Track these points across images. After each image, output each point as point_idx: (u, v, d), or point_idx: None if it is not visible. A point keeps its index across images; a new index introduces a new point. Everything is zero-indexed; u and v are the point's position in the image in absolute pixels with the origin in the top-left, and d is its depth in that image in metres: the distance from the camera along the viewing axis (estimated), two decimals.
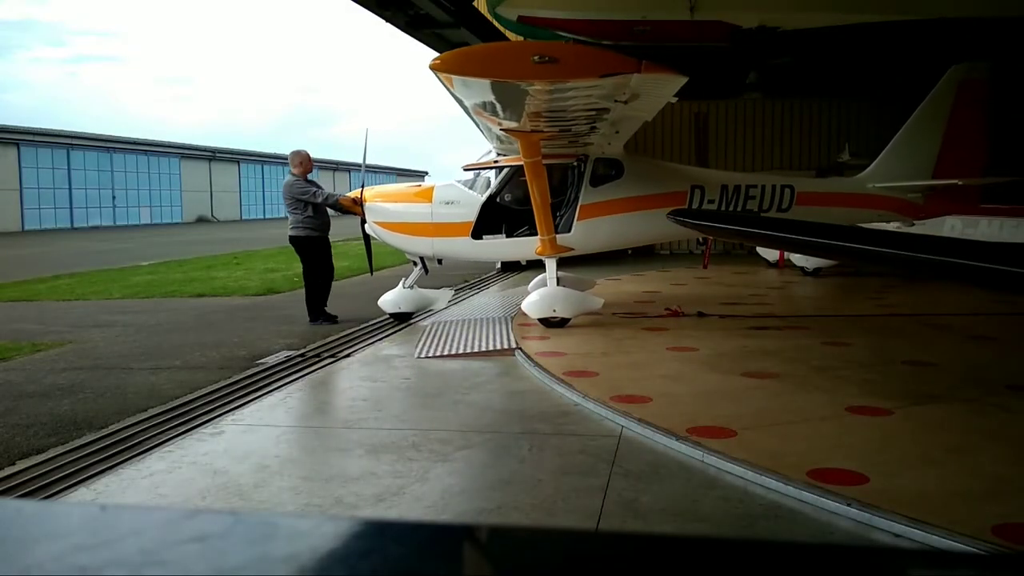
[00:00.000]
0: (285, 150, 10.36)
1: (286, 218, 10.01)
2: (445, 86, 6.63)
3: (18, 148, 43.18)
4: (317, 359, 7.57)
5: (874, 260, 5.73)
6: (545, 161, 9.30)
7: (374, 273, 10.82)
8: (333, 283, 10.39)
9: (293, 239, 9.81)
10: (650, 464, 4.39)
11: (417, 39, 12.33)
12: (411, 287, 9.83)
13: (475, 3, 12.75)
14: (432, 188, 9.76)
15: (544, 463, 4.46)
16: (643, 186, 9.54)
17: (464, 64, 6.19)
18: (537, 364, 6.77)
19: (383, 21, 11.33)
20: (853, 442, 4.63)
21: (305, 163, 9.81)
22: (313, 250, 9.79)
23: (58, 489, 4.26)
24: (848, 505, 3.64)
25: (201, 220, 56.10)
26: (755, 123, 19.90)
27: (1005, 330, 8.32)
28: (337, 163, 69.03)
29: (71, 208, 46.83)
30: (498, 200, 9.51)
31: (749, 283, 13.29)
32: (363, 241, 10.03)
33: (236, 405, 5.90)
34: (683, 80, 6.52)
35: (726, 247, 18.39)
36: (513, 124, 7.91)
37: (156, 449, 4.87)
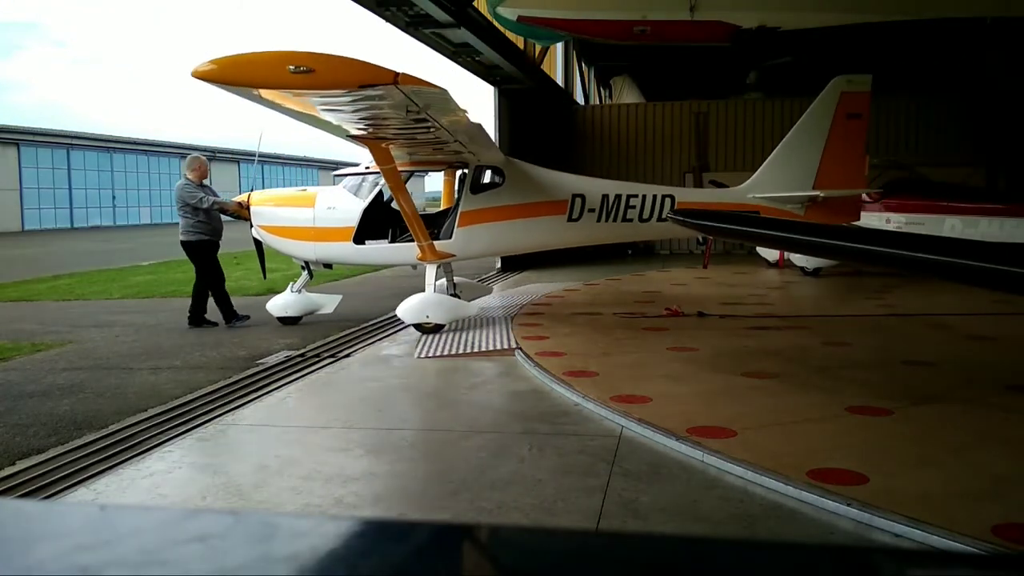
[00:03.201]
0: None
1: None
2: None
3: (18, 148, 43.16)
4: (317, 359, 7.57)
5: (874, 260, 5.72)
6: (419, 168, 9.59)
7: (266, 276, 10.81)
8: (334, 284, 10.41)
9: (184, 244, 9.85)
10: (650, 464, 4.39)
11: (417, 39, 12.32)
12: (299, 291, 9.92)
13: (475, 3, 12.75)
14: (316, 193, 9.84)
15: (544, 463, 4.46)
16: (523, 194, 9.61)
17: (222, 73, 6.14)
18: (537, 364, 6.77)
19: (384, 21, 11.32)
20: (853, 442, 4.63)
21: (200, 168, 9.91)
22: (204, 254, 9.83)
23: (58, 489, 4.26)
24: (848, 505, 3.64)
25: None
26: (755, 123, 19.89)
27: (1005, 330, 8.32)
28: (336, 163, 69.02)
29: (71, 208, 46.82)
30: (381, 205, 9.54)
31: (749, 283, 13.30)
32: (254, 246, 10.15)
33: (236, 405, 5.91)
34: (447, 93, 6.52)
35: (726, 247, 18.40)
36: (358, 132, 7.94)
37: (156, 449, 4.87)
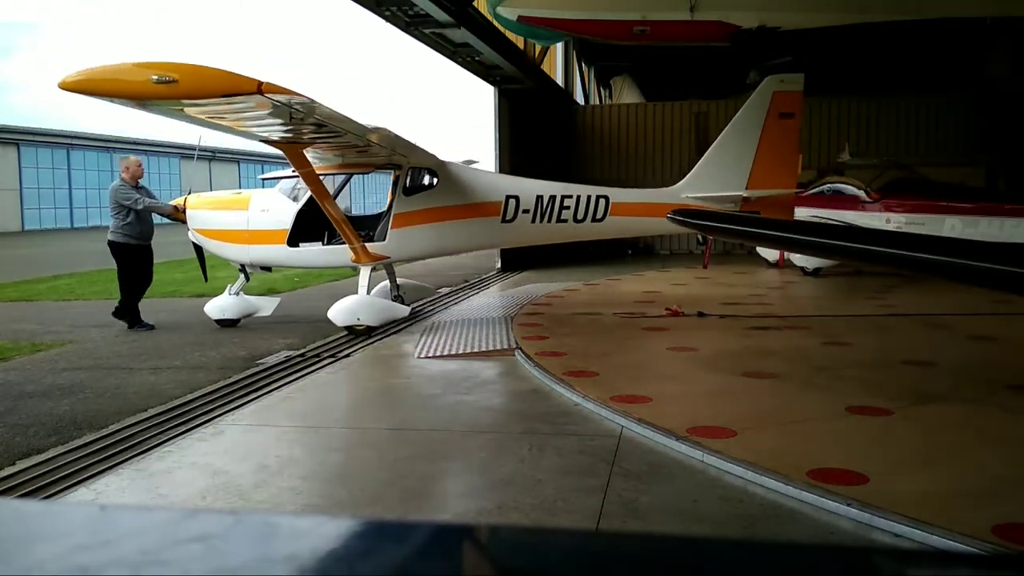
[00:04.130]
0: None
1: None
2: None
3: (18, 148, 43.17)
4: (317, 359, 7.57)
5: (874, 260, 5.72)
6: (347, 171, 9.64)
7: (207, 279, 10.81)
8: (334, 284, 10.41)
9: (111, 244, 9.82)
10: (650, 464, 4.39)
11: (417, 39, 12.32)
12: (236, 294, 9.91)
13: (475, 3, 12.75)
14: (250, 195, 9.85)
15: (544, 463, 4.46)
16: (456, 196, 9.65)
17: (88, 84, 6.15)
18: (537, 364, 6.77)
19: (384, 21, 11.32)
20: (853, 442, 4.63)
21: (133, 169, 9.91)
22: (130, 257, 9.79)
23: (58, 489, 4.26)
24: (848, 505, 3.63)
25: None
26: None
27: (1005, 330, 8.32)
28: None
29: (71, 208, 46.81)
30: (316, 208, 9.57)
31: (749, 283, 13.30)
32: (194, 249, 10.16)
33: (236, 405, 5.90)
34: (313, 101, 6.56)
35: (726, 247, 18.40)
36: (270, 136, 7.98)
37: (156, 449, 4.87)
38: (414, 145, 9.32)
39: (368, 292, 9.16)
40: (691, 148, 19.99)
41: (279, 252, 9.58)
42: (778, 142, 9.92)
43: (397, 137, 8.71)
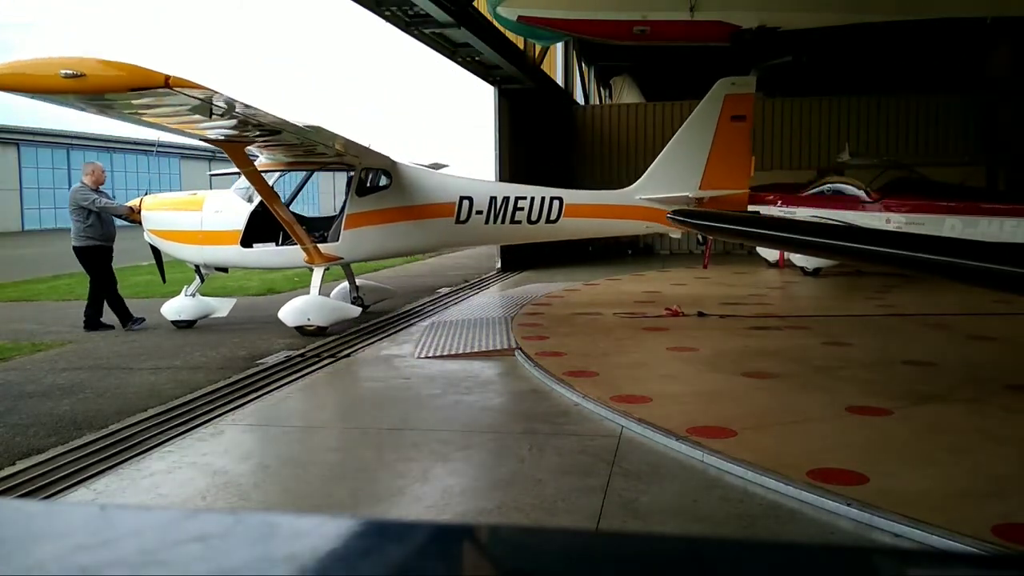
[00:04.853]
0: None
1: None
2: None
3: (18, 148, 43.18)
4: (317, 359, 7.57)
5: (874, 260, 5.72)
6: (297, 169, 9.68)
7: (164, 280, 10.83)
8: (333, 284, 10.41)
9: (76, 249, 9.86)
10: (650, 464, 4.39)
11: (417, 39, 12.32)
12: (192, 295, 9.95)
13: (475, 3, 12.75)
14: (204, 196, 9.89)
15: (544, 463, 4.46)
16: (410, 196, 9.68)
17: (1, 80, 6.17)
18: (537, 364, 6.77)
19: (384, 21, 11.32)
20: (853, 442, 4.63)
21: (95, 174, 9.98)
22: (96, 259, 9.84)
23: (58, 489, 4.26)
24: (848, 505, 3.63)
25: None
26: (755, 123, 19.88)
27: (1005, 330, 8.32)
28: None
29: None
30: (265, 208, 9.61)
31: (749, 283, 13.30)
32: (151, 251, 10.20)
33: (236, 405, 5.90)
34: (220, 95, 6.57)
35: (726, 247, 18.40)
36: (209, 135, 8.02)
37: (156, 449, 4.87)
38: (359, 144, 9.34)
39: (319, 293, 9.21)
40: None
41: (232, 253, 9.61)
42: (730, 144, 10.02)
43: (336, 135, 8.72)
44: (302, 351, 7.98)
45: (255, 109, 7.12)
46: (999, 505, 3.66)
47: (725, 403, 5.56)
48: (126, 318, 9.89)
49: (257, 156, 9.52)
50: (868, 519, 3.54)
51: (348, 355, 7.74)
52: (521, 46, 16.18)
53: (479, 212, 9.74)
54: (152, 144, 55.83)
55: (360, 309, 9.72)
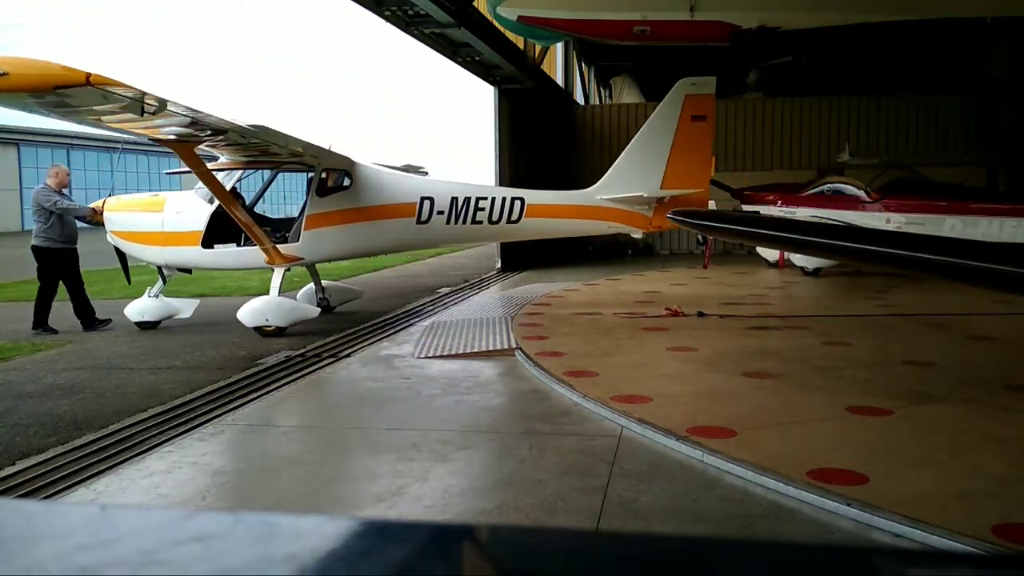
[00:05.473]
0: None
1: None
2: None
3: (18, 148, 43.19)
4: (317, 359, 7.57)
5: (874, 260, 5.72)
6: (254, 168, 9.67)
7: (130, 282, 10.84)
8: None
9: (34, 248, 9.87)
10: (650, 464, 4.39)
11: (417, 39, 12.32)
12: (156, 296, 9.97)
13: (475, 3, 12.75)
14: (166, 198, 9.91)
15: (544, 463, 4.46)
16: (370, 196, 9.69)
17: None
18: (537, 364, 6.77)
19: (384, 21, 11.32)
20: (853, 442, 4.63)
21: (59, 176, 10.01)
22: (52, 261, 9.84)
23: (58, 489, 4.26)
24: (848, 505, 3.63)
25: None
26: (755, 123, 19.90)
27: (1005, 330, 8.32)
28: None
29: None
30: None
31: (749, 283, 13.30)
32: (115, 253, 10.22)
33: (236, 405, 5.90)
34: (146, 93, 6.61)
35: (726, 247, 18.40)
36: (158, 136, 8.06)
37: (156, 449, 4.87)
38: (316, 145, 9.35)
39: (279, 293, 9.24)
40: None
41: (194, 254, 9.63)
42: (691, 144, 10.04)
43: (286, 135, 8.72)
44: (302, 351, 7.98)
45: (190, 108, 7.15)
46: (999, 505, 3.66)
47: (725, 403, 5.56)
48: (91, 321, 9.91)
49: (219, 156, 9.57)
50: (868, 519, 3.54)
51: (348, 355, 7.74)
52: (521, 46, 16.18)
53: (440, 212, 9.78)
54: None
55: (319, 310, 9.74)
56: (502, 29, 13.92)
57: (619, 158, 10.42)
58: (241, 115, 7.95)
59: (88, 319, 9.92)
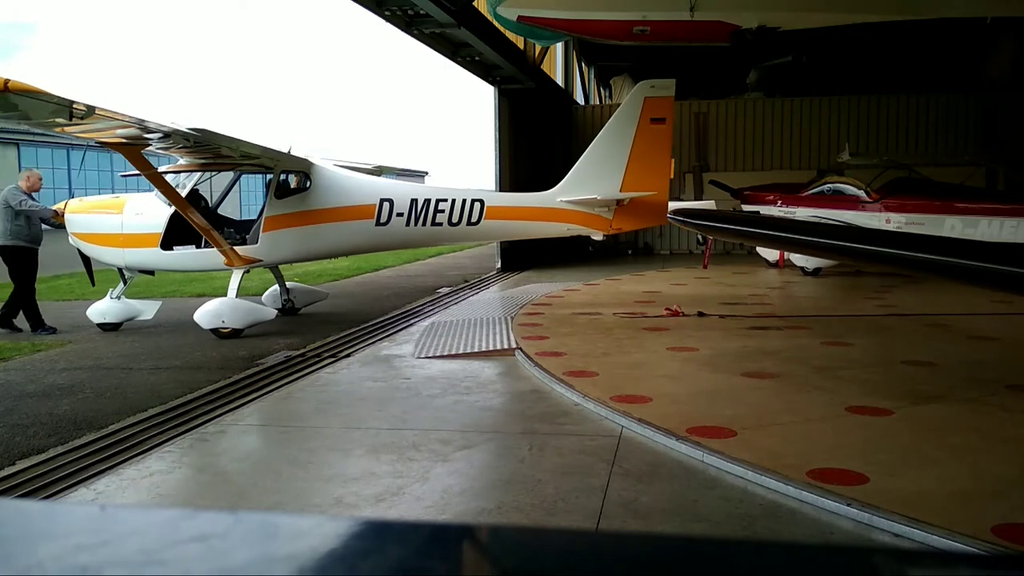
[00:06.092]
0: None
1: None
2: None
3: (18, 148, 43.19)
4: (317, 359, 7.57)
5: (874, 260, 5.72)
6: (209, 170, 9.67)
7: (94, 284, 10.81)
8: (333, 284, 10.41)
9: (2, 249, 9.86)
10: (650, 464, 4.39)
11: (417, 39, 12.33)
12: (118, 298, 9.97)
13: (475, 3, 12.75)
14: (126, 199, 9.92)
15: (544, 463, 4.46)
16: (329, 198, 9.69)
17: None
18: (537, 364, 6.77)
19: (384, 21, 11.32)
20: (853, 442, 4.63)
21: (31, 180, 10.07)
22: (23, 260, 9.86)
23: (58, 489, 4.26)
24: (848, 505, 3.63)
25: None
26: (755, 123, 19.91)
27: (1005, 330, 8.32)
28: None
29: None
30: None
31: (749, 283, 13.30)
32: (79, 255, 10.22)
33: (236, 405, 5.90)
34: (49, 94, 6.61)
35: (726, 247, 18.41)
36: (104, 139, 8.11)
37: (156, 449, 4.87)
38: (271, 148, 9.35)
39: (236, 295, 9.24)
40: (691, 148, 20.02)
41: (153, 255, 9.66)
42: (650, 146, 10.04)
43: (234, 138, 8.72)
44: (302, 351, 7.98)
45: (120, 113, 7.17)
46: (999, 505, 3.66)
47: (725, 403, 5.55)
48: (37, 324, 9.90)
49: (178, 159, 9.58)
50: (868, 519, 3.54)
51: (348, 355, 7.74)
52: (521, 46, 16.18)
53: (400, 214, 9.78)
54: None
55: (275, 312, 9.77)
56: (502, 29, 13.92)
57: (579, 160, 10.42)
58: (183, 118, 8.01)
59: (37, 322, 9.91)
